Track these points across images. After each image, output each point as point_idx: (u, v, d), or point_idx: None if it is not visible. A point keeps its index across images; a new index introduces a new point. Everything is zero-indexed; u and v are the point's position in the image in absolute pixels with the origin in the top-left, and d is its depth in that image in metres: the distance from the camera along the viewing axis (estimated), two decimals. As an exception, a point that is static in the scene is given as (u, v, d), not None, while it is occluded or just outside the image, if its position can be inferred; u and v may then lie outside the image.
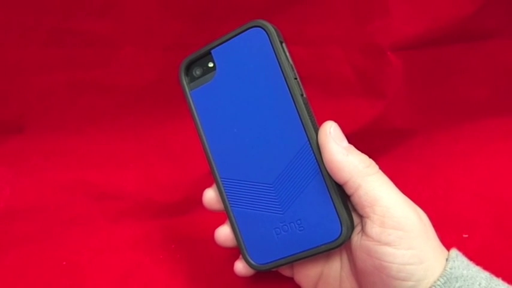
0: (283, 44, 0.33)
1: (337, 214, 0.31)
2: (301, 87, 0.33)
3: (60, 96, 0.49)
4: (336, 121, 0.32)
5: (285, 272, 0.36)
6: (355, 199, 0.30)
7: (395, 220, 0.29)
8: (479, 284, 0.28)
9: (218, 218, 0.36)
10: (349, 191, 0.30)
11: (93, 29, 0.46)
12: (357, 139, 0.46)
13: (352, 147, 0.31)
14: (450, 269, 0.29)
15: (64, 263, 0.43)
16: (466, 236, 0.43)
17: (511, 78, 0.49)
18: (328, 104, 0.49)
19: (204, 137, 0.35)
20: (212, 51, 0.34)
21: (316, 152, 0.31)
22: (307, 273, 0.34)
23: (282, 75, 0.32)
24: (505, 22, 0.47)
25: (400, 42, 0.46)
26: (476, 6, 0.45)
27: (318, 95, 0.48)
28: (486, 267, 0.31)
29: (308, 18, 0.47)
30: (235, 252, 0.37)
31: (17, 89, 0.48)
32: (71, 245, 0.45)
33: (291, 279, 0.36)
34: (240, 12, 0.46)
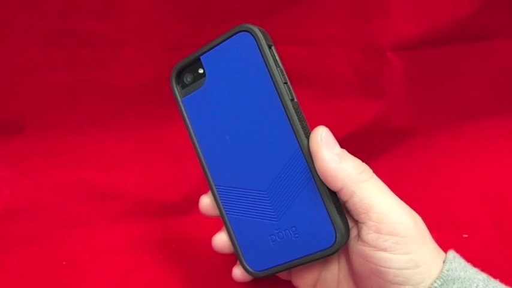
0: (273, 48, 0.32)
1: (331, 221, 0.30)
2: (292, 91, 0.31)
3: (60, 96, 0.49)
4: (336, 121, 0.31)
5: (283, 275, 0.36)
6: (349, 205, 0.30)
7: (391, 226, 0.29)
8: (477, 286, 0.28)
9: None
10: (343, 197, 0.30)
11: (93, 29, 0.46)
12: (357, 139, 0.46)
13: (344, 153, 0.31)
14: (447, 271, 0.29)
15: (64, 263, 0.43)
16: (466, 236, 0.43)
17: (511, 78, 0.49)
18: (328, 104, 0.49)
19: (197, 144, 0.35)
20: (201, 58, 0.34)
21: (307, 158, 0.30)
22: (305, 276, 0.34)
23: (270, 80, 0.31)
24: (505, 22, 0.47)
25: (400, 42, 0.46)
26: (476, 6, 0.45)
27: (317, 95, 0.48)
28: (486, 268, 0.31)
29: (308, 18, 0.47)
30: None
31: (17, 89, 0.48)
32: (71, 245, 0.45)
33: (288, 282, 0.36)
34: (240, 13, 0.46)
